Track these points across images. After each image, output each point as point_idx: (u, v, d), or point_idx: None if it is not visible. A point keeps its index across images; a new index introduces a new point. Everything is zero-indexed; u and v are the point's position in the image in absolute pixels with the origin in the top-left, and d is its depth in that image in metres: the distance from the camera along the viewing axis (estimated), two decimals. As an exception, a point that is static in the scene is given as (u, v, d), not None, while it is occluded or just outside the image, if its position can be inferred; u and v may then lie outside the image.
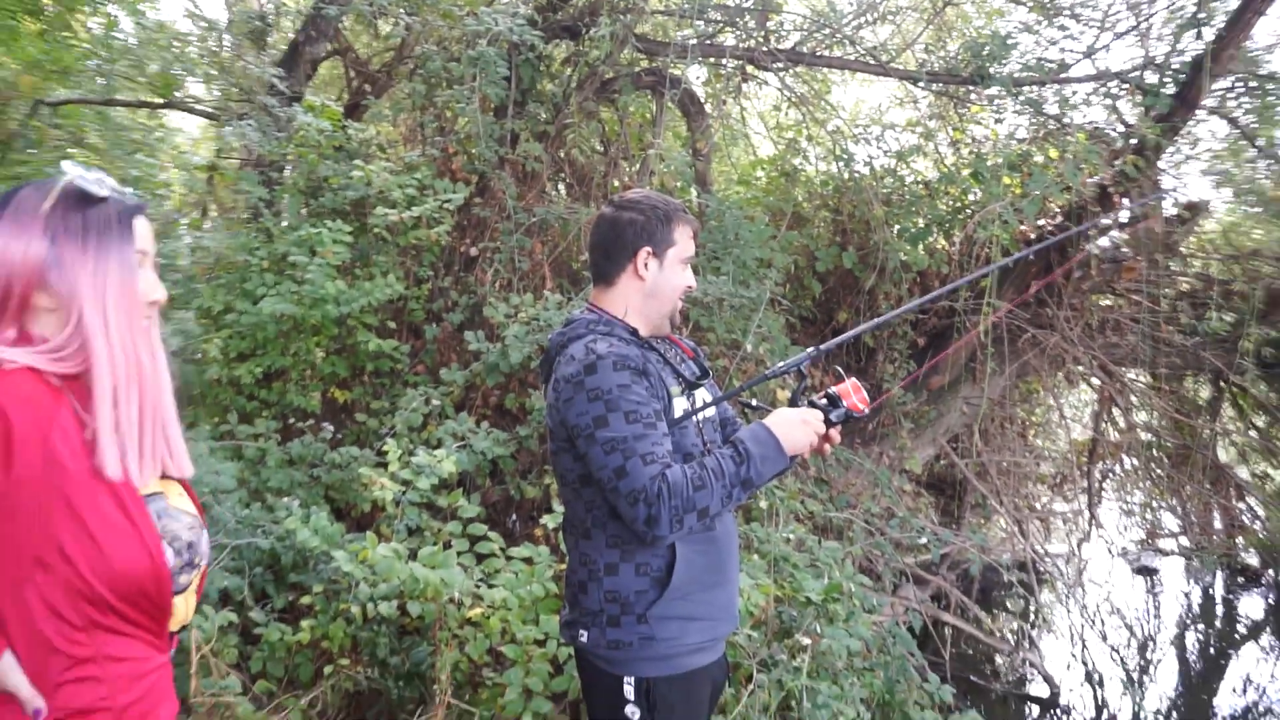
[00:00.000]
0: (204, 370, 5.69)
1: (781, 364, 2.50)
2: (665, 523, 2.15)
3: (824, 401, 2.41)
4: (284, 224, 6.40)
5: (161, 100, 10.98)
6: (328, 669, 4.18)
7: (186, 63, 10.63)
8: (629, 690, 2.32)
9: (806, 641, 3.88)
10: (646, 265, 2.46)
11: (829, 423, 2.39)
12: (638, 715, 2.32)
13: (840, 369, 2.64)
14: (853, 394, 2.40)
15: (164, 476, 1.63)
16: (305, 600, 4.34)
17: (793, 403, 2.45)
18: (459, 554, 4.32)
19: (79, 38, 12.95)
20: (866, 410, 2.41)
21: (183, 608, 1.60)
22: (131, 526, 1.43)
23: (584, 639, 2.37)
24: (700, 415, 2.47)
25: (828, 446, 2.46)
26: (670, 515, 2.15)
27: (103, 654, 1.46)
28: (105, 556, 1.40)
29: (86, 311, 1.46)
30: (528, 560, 4.26)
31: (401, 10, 7.63)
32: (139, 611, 1.47)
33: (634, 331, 2.45)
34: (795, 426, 2.33)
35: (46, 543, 1.38)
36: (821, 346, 2.55)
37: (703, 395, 2.53)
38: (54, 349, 1.47)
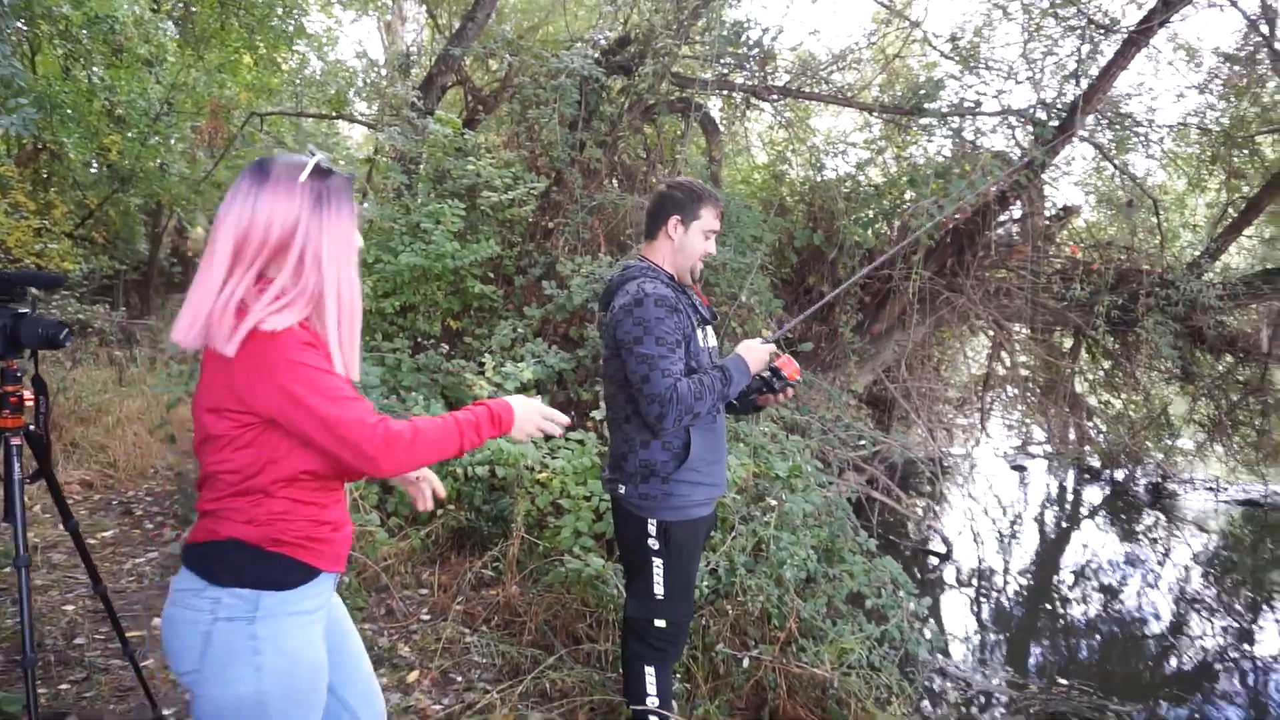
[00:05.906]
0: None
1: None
2: (670, 419, 2.18)
3: (769, 374, 2.45)
4: (418, 201, 6.38)
5: (336, 113, 10.95)
6: (439, 511, 4.20)
7: (354, 87, 10.58)
8: (652, 528, 2.34)
9: (774, 504, 3.87)
10: (675, 229, 2.42)
11: (774, 385, 2.46)
12: (657, 546, 2.35)
13: (777, 349, 2.58)
14: (787, 365, 2.45)
15: None
16: (425, 463, 4.33)
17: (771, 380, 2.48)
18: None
19: (281, 69, 12.89)
20: (799, 379, 2.47)
21: None
22: None
23: (622, 490, 2.38)
24: (710, 346, 2.46)
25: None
26: (674, 415, 2.17)
27: (333, 498, 1.53)
28: None
29: (326, 261, 1.40)
30: (580, 442, 4.26)
31: (505, 53, 7.60)
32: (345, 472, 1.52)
33: (671, 277, 2.42)
34: (756, 352, 2.37)
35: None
36: (781, 328, 2.66)
37: (710, 331, 2.50)
38: (290, 302, 1.39)
